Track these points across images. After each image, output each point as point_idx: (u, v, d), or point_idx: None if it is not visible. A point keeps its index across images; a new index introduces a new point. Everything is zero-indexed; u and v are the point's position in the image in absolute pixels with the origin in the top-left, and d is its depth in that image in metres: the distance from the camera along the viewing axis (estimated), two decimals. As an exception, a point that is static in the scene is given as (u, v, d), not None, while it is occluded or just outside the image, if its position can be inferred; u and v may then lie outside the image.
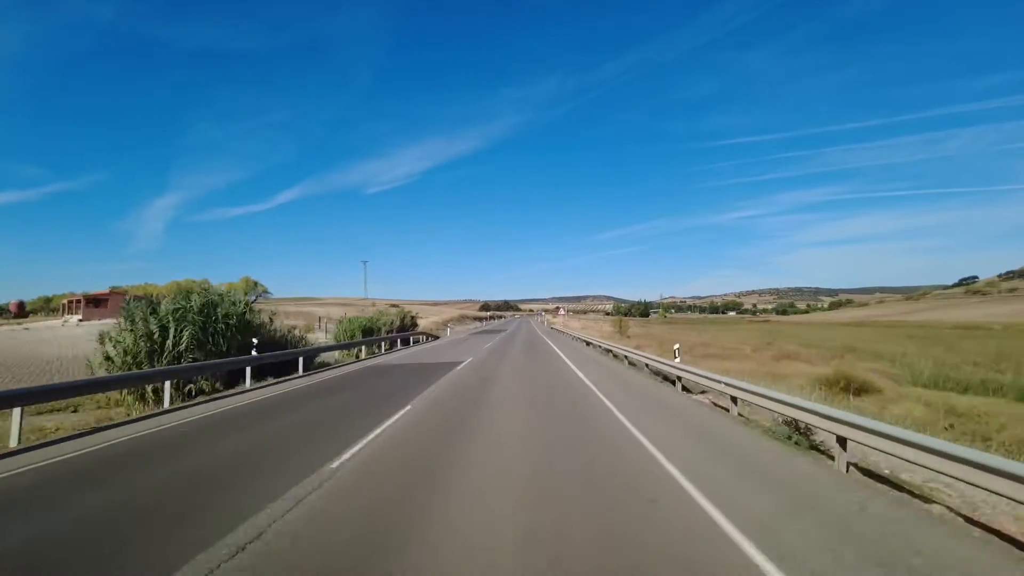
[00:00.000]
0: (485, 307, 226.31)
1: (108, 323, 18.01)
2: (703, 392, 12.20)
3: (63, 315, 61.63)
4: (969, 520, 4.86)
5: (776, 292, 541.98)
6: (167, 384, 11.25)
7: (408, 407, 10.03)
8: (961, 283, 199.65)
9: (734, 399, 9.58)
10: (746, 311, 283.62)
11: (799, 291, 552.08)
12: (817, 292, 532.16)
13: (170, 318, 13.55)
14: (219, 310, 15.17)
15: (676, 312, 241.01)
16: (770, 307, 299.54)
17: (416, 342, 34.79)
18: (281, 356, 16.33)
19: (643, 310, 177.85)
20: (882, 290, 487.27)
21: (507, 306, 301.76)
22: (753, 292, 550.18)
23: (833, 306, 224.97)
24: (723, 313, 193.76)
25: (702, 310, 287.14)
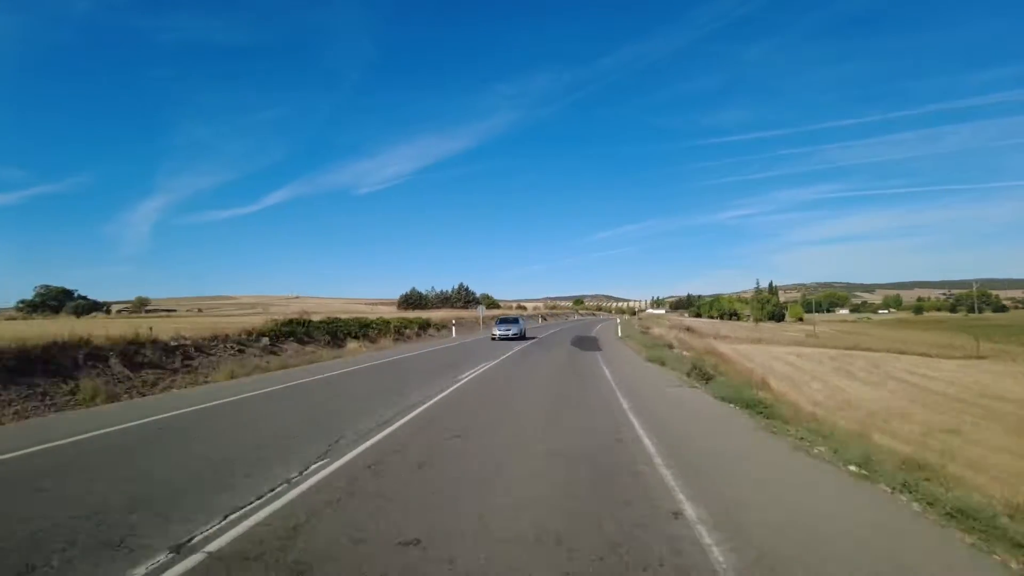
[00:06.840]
0: (408, 302, 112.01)
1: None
2: None
3: None
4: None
5: (804, 287, 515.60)
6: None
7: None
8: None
9: None
10: (858, 308, 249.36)
11: (829, 286, 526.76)
12: (850, 287, 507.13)
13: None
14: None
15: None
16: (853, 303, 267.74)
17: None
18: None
19: (774, 310, 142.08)
20: (921, 285, 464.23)
21: (464, 299, 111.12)
22: (779, 288, 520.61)
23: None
24: (828, 311, 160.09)
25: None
